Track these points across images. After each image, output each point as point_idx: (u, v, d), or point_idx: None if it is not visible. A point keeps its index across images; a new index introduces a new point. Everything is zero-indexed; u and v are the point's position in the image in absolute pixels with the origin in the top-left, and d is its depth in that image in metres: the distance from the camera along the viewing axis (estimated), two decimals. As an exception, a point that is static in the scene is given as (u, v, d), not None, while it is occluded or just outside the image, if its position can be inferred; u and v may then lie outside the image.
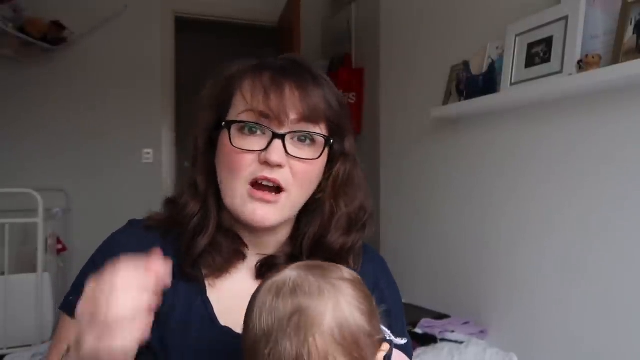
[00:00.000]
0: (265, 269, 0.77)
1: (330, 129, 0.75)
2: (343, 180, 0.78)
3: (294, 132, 0.70)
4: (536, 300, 1.75)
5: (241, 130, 0.71)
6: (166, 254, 0.73)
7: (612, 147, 1.50)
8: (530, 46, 1.73)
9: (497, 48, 1.92)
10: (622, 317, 1.46)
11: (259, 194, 0.71)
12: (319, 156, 0.73)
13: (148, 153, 3.52)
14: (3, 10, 2.94)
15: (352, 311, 0.57)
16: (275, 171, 0.70)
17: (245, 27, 4.08)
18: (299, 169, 0.72)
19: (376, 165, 2.83)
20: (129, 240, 0.76)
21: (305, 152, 0.72)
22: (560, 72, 1.59)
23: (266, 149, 0.69)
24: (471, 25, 2.13)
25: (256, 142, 0.70)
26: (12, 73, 3.24)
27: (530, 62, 1.73)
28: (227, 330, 0.75)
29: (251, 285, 0.78)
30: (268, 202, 0.71)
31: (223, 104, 0.74)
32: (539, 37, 1.70)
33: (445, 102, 2.19)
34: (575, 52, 1.55)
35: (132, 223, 0.82)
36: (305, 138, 0.72)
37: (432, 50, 2.38)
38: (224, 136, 0.72)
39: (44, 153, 3.32)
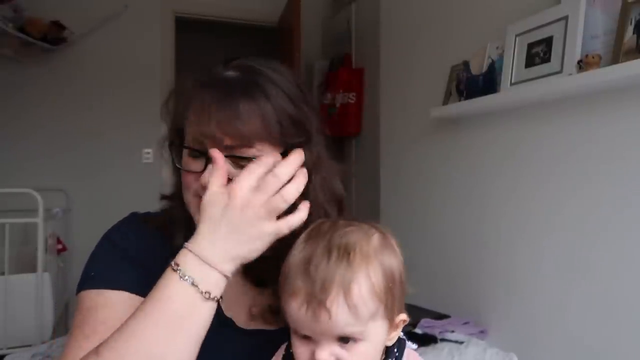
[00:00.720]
0: (249, 265, 0.78)
1: (279, 144, 0.71)
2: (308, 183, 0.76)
3: (227, 156, 0.68)
4: (536, 300, 1.75)
5: (189, 152, 0.72)
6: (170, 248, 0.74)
7: (612, 147, 1.50)
8: (530, 46, 1.73)
9: (497, 48, 1.92)
10: (622, 317, 1.46)
11: None
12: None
13: (148, 153, 3.52)
14: (3, 10, 2.94)
15: (395, 254, 0.63)
16: None
17: (245, 27, 4.08)
18: None
19: (376, 165, 2.83)
20: (138, 223, 0.79)
21: None
22: (560, 72, 1.59)
23: (203, 171, 0.69)
24: (471, 25, 2.13)
25: (197, 164, 0.71)
26: (12, 73, 3.24)
27: (530, 62, 1.73)
28: (230, 322, 0.75)
29: (244, 281, 0.79)
30: None
31: (180, 121, 0.73)
32: (539, 37, 1.70)
33: (445, 102, 2.19)
34: (575, 52, 1.55)
35: (134, 214, 0.83)
36: (241, 161, 0.70)
37: (432, 50, 2.38)
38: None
39: (44, 153, 3.32)
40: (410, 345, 0.69)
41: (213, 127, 0.67)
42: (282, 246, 0.78)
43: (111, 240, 0.77)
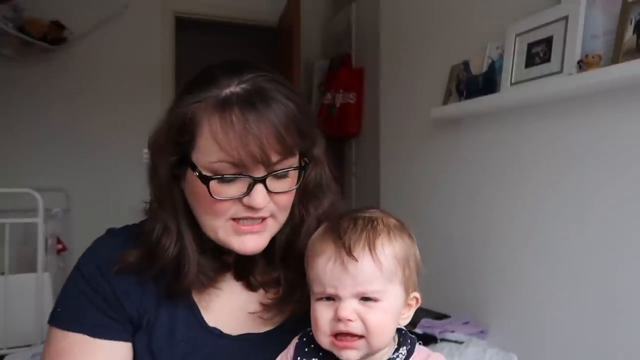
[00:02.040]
0: (241, 267, 0.79)
1: (303, 149, 0.73)
2: (313, 186, 0.78)
3: (273, 172, 0.68)
4: (536, 300, 1.75)
5: (219, 180, 0.68)
6: (146, 280, 0.73)
7: (613, 147, 1.50)
8: (530, 46, 1.73)
9: (497, 48, 1.92)
10: (622, 317, 1.46)
11: (247, 228, 0.70)
12: (298, 184, 0.73)
13: (148, 153, 3.52)
14: (3, 10, 2.94)
15: (411, 236, 0.70)
16: (259, 211, 0.70)
17: (245, 27, 4.08)
18: (280, 200, 0.71)
19: (376, 165, 2.83)
20: (112, 248, 0.76)
21: (284, 184, 0.71)
22: (560, 72, 1.59)
23: (248, 193, 0.68)
24: (471, 25, 2.13)
25: (235, 189, 0.68)
26: (12, 73, 3.24)
27: (530, 62, 1.73)
28: (216, 331, 0.75)
29: (234, 285, 0.79)
30: (257, 232, 0.71)
31: (186, 143, 0.69)
32: (539, 37, 1.70)
33: (445, 102, 2.19)
34: (575, 52, 1.55)
35: (111, 232, 0.81)
36: (281, 174, 0.70)
37: (432, 50, 2.38)
38: (194, 177, 0.69)
39: (44, 153, 3.32)
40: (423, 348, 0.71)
41: (255, 146, 0.65)
42: (272, 249, 0.78)
43: (82, 273, 0.76)
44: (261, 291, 0.79)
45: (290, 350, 0.70)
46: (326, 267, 0.64)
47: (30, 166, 3.26)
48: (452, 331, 1.91)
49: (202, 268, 0.74)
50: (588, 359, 1.56)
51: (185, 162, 0.70)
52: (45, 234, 2.53)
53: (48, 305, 2.42)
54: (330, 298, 0.64)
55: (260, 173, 0.68)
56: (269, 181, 0.68)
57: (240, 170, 0.67)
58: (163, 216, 0.74)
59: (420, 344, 0.71)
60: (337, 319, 0.62)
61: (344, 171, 3.35)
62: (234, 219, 0.70)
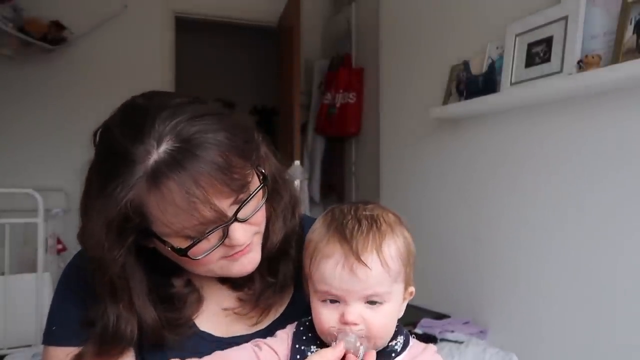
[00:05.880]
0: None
1: (253, 165, 0.69)
2: (272, 184, 0.76)
3: (240, 207, 0.66)
4: (536, 300, 1.75)
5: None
6: None
7: (613, 147, 1.50)
8: (530, 46, 1.73)
9: (497, 48, 1.92)
10: (621, 317, 1.46)
11: (239, 254, 0.70)
12: (264, 197, 0.70)
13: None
14: (3, 10, 2.93)
15: (408, 230, 0.70)
16: (244, 243, 0.69)
17: (245, 27, 4.08)
18: (256, 220, 0.70)
19: (376, 165, 2.83)
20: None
21: (253, 204, 0.68)
22: (560, 72, 1.59)
23: (227, 236, 0.66)
24: (471, 25, 2.13)
25: (212, 239, 0.66)
26: (12, 73, 3.24)
27: (530, 62, 1.73)
28: (208, 336, 0.75)
29: (221, 290, 0.79)
30: (249, 252, 0.71)
31: (139, 223, 0.64)
32: (539, 37, 1.70)
33: (445, 102, 2.19)
34: (575, 52, 1.55)
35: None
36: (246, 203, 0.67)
37: (432, 50, 2.38)
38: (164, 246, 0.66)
39: (44, 153, 3.31)
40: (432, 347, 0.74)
41: (207, 209, 0.61)
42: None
43: (70, 288, 0.76)
44: (246, 289, 0.79)
45: (289, 333, 0.71)
46: (335, 271, 0.63)
47: (30, 166, 3.25)
48: (452, 331, 1.91)
49: (174, 316, 0.73)
50: (587, 359, 1.56)
51: (147, 234, 0.66)
52: (45, 234, 2.53)
53: (48, 305, 2.42)
54: (334, 300, 0.64)
55: (228, 215, 0.65)
56: (240, 214, 0.66)
57: (207, 225, 0.64)
58: (116, 309, 0.69)
59: (413, 337, 0.73)
60: (343, 322, 0.63)
61: (344, 171, 3.35)
62: (224, 257, 0.70)
